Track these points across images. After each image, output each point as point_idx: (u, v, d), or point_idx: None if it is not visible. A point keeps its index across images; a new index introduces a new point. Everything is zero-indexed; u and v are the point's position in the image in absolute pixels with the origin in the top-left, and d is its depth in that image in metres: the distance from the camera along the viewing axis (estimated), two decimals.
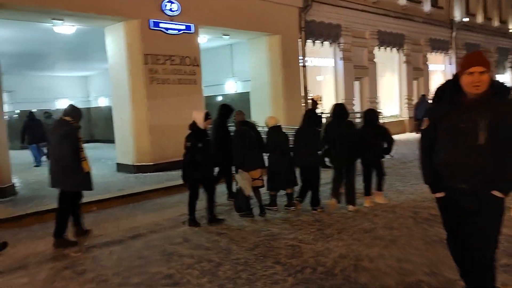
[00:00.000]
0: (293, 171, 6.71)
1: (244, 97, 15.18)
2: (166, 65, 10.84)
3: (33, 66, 17.99)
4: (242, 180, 6.30)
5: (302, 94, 14.45)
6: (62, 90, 22.25)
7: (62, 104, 22.20)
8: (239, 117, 6.88)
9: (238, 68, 15.31)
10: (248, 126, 6.60)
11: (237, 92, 15.42)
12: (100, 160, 13.85)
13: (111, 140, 22.16)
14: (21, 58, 15.62)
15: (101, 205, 7.59)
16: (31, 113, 13.84)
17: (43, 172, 11.32)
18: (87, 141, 22.93)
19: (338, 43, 16.05)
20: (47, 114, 14.86)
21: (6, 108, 22.20)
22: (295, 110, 14.07)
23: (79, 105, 23.19)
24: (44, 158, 12.65)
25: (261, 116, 14.23)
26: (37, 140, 12.83)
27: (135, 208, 7.52)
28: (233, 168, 6.63)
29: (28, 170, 12.25)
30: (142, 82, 10.45)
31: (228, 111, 7.37)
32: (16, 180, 10.24)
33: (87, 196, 7.83)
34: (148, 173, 10.32)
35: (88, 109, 23.29)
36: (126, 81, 10.50)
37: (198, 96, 11.63)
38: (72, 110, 5.79)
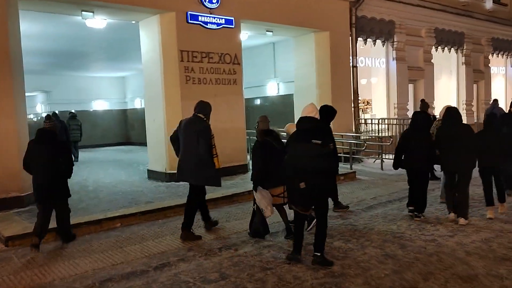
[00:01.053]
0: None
1: (286, 100, 13.97)
2: (203, 63, 9.79)
3: (70, 66, 17.54)
4: (262, 200, 5.34)
5: (351, 97, 13.06)
6: (99, 91, 21.86)
7: (98, 105, 21.89)
8: (262, 125, 5.62)
9: (281, 69, 14.12)
10: (272, 137, 5.54)
11: (279, 94, 14.23)
12: (132, 165, 13.03)
13: (146, 143, 21.68)
14: (57, 57, 15.12)
15: (126, 220, 6.57)
16: (54, 113, 13.79)
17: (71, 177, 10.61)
18: (122, 143, 22.50)
19: (391, 42, 14.53)
20: (72, 114, 14.96)
21: (42, 108, 22.15)
22: (344, 115, 12.70)
23: (116, 106, 23.08)
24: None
25: None
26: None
27: (164, 226, 6.45)
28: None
29: None
30: (177, 81, 9.45)
31: (332, 113, 6.57)
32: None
33: (111, 211, 6.87)
34: (180, 182, 9.26)
35: (124, 110, 22.81)
36: (159, 79, 9.53)
37: (238, 97, 10.52)
38: (204, 107, 6.08)
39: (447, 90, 17.76)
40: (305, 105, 4.98)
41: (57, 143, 5.74)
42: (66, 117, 15.86)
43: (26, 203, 7.55)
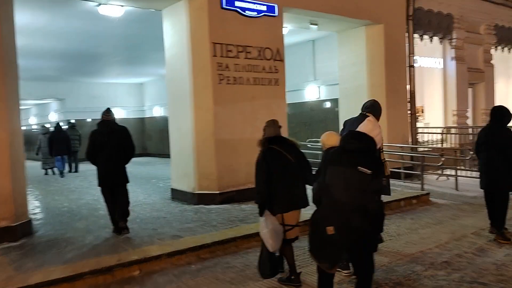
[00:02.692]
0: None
1: (328, 106, 12.08)
2: (239, 58, 8.02)
3: (84, 71, 16.05)
4: (265, 229, 3.99)
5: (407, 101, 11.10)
6: (115, 99, 20.32)
7: (115, 113, 20.29)
8: (269, 131, 4.28)
9: (322, 70, 12.27)
10: (281, 145, 4.16)
11: (320, 99, 12.35)
12: (150, 181, 11.28)
13: (165, 154, 20.07)
14: (70, 60, 13.60)
15: (147, 266, 4.74)
16: (57, 124, 13.51)
17: (80, 197, 8.97)
18: (139, 155, 20.83)
19: (450, 39, 12.56)
20: (71, 124, 14.54)
21: (56, 116, 20.72)
22: (400, 123, 10.78)
23: (133, 115, 21.50)
24: (66, 169, 13.37)
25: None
26: (61, 152, 12.78)
27: (200, 275, 4.59)
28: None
29: (64, 193, 9.84)
30: (208, 81, 7.68)
31: (507, 114, 5.44)
32: (40, 209, 7.78)
33: (126, 250, 5.06)
34: (212, 205, 7.45)
35: (142, 119, 21.24)
36: (187, 79, 7.77)
37: (280, 101, 8.68)
38: (378, 109, 5.01)
39: (504, 96, 15.61)
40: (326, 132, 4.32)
41: (123, 130, 6.23)
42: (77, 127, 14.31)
43: (19, 235, 5.81)
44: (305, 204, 4.16)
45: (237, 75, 7.98)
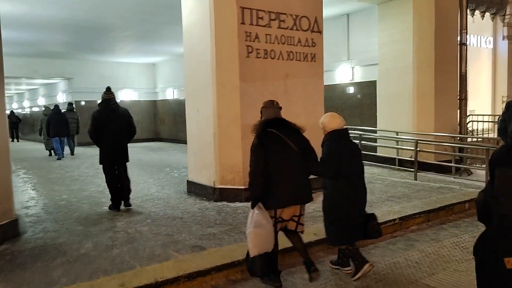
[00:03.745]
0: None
1: (364, 89, 10.70)
2: (271, 28, 6.70)
3: (92, 47, 14.82)
4: (250, 227, 3.36)
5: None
6: (126, 79, 19.15)
7: (125, 95, 19.19)
8: (267, 113, 3.67)
9: (357, 48, 10.86)
10: (281, 130, 3.54)
11: (354, 81, 10.96)
12: (163, 170, 10.10)
13: (179, 140, 19.03)
14: (76, 33, 12.35)
15: None
16: (56, 106, 13.07)
17: (82, 187, 7.83)
18: (151, 140, 19.76)
19: (502, 15, 11.03)
20: (69, 107, 14.07)
21: (64, 97, 19.62)
22: (449, 110, 9.39)
23: (145, 97, 20.28)
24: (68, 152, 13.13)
25: (394, 119, 9.59)
26: (59, 133, 12.52)
27: None
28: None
29: (66, 182, 8.70)
30: (234, 54, 6.38)
31: None
32: (35, 202, 6.63)
33: (133, 268, 3.85)
34: (237, 203, 6.22)
35: (154, 102, 20.05)
36: (208, 51, 6.48)
37: (318, 81, 7.35)
38: None
39: None
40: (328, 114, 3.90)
41: (125, 110, 6.28)
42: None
43: (0, 239, 4.66)
44: (309, 199, 3.61)
45: (268, 47, 6.67)
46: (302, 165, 3.55)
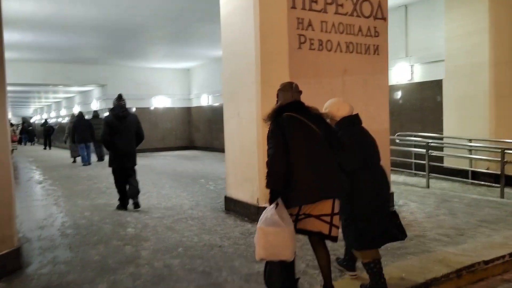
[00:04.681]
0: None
1: (426, 91, 9.33)
2: (328, 13, 5.55)
3: (125, 51, 14.20)
4: (262, 223, 2.77)
5: None
6: (159, 86, 18.49)
7: (159, 101, 18.52)
8: (284, 96, 3.11)
9: (416, 45, 9.50)
10: (302, 114, 2.96)
11: (413, 81, 9.61)
12: (197, 181, 9.11)
13: (214, 148, 18.11)
14: (107, 36, 11.70)
15: None
16: (80, 113, 13.57)
17: (108, 202, 6.90)
18: (185, 148, 18.96)
19: None
20: (95, 113, 14.47)
21: (98, 104, 19.20)
22: None
23: (179, 103, 19.52)
24: (94, 159, 13.29)
25: (465, 124, 8.06)
26: (85, 139, 12.67)
27: None
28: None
29: (91, 195, 7.84)
30: (283, 45, 5.28)
31: None
32: (52, 221, 5.72)
33: None
34: None
35: (188, 108, 19.28)
36: (251, 43, 5.40)
37: (382, 78, 6.12)
38: None
39: None
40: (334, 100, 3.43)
41: (135, 116, 6.61)
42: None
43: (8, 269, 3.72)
44: (343, 189, 2.99)
45: (323, 37, 5.52)
46: (330, 152, 2.99)
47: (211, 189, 8.08)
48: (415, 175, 8.93)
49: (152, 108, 18.51)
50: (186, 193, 7.70)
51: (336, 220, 2.93)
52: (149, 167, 12.17)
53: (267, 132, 2.97)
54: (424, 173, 7.99)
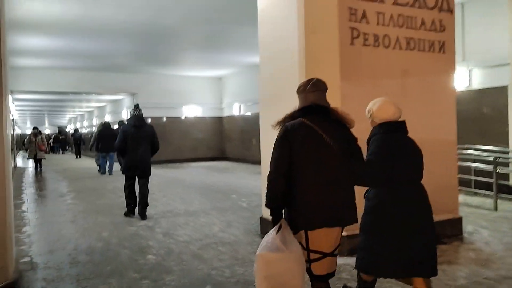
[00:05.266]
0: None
1: (487, 98, 8.22)
2: (384, 4, 4.68)
3: (156, 58, 13.74)
4: (264, 250, 2.40)
5: None
6: (191, 94, 17.98)
7: (190, 111, 17.99)
8: (305, 98, 2.66)
9: (475, 46, 8.42)
10: (316, 120, 2.54)
11: (471, 88, 8.51)
12: (229, 197, 8.34)
13: (245, 160, 17.33)
14: (137, 41, 11.23)
15: None
16: (106, 122, 13.83)
17: (131, 220, 5.99)
18: (216, 159, 18.29)
19: None
20: (121, 122, 13.68)
21: (128, 114, 18.88)
22: None
23: (210, 113, 18.92)
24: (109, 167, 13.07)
25: None
26: (108, 149, 12.44)
27: None
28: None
29: (113, 211, 7.18)
30: (333, 40, 4.45)
31: None
32: (65, 242, 5.02)
33: None
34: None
35: (220, 118, 18.65)
36: (294, 39, 4.59)
37: (447, 80, 5.16)
38: None
39: None
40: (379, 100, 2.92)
41: (151, 127, 6.69)
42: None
43: None
44: (351, 219, 2.52)
45: (380, 31, 4.65)
46: (343, 171, 2.53)
47: (244, 207, 7.27)
48: (475, 194, 7.79)
49: (183, 117, 18.00)
50: (216, 211, 6.92)
51: (338, 249, 2.60)
52: (178, 179, 11.52)
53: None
54: (487, 192, 6.90)
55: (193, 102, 18.09)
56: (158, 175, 12.48)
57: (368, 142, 2.82)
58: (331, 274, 2.57)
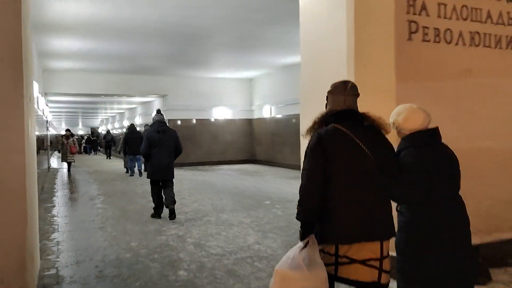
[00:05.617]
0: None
1: None
2: None
3: (187, 60, 13.50)
4: (285, 265, 2.26)
5: None
6: (221, 96, 17.71)
7: (220, 113, 17.72)
8: (335, 101, 2.49)
9: None
10: (351, 127, 2.38)
11: None
12: (263, 204, 7.91)
13: (276, 163, 16.79)
14: (170, 44, 11.01)
15: None
16: (132, 125, 13.76)
17: (160, 227, 5.40)
18: (246, 161, 17.93)
19: None
20: (147, 126, 13.21)
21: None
22: None
23: (240, 115, 18.57)
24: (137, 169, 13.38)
25: None
26: (135, 151, 12.40)
27: None
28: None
29: (145, 216, 6.89)
30: (388, 35, 3.95)
31: None
32: (92, 252, 4.71)
33: None
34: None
35: (250, 120, 18.28)
36: (343, 36, 4.12)
37: None
38: None
39: None
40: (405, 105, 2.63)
41: (174, 131, 6.87)
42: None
43: None
44: (389, 233, 2.37)
45: (441, 25, 4.11)
46: (380, 183, 2.32)
47: (279, 215, 6.84)
48: None
49: (212, 119, 17.75)
50: (249, 220, 6.51)
51: (387, 264, 2.35)
52: (208, 183, 11.20)
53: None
54: None
55: (223, 104, 17.80)
56: (188, 178, 12.25)
57: (398, 154, 2.51)
58: (366, 284, 2.30)
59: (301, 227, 2.33)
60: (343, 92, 2.44)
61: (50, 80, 15.11)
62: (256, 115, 17.97)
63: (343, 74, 4.10)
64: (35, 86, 7.21)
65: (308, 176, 2.32)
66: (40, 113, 11.10)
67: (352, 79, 4.02)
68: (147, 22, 8.93)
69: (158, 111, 7.04)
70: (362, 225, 2.28)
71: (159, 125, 6.66)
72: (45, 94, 15.55)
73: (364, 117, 2.43)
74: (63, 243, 5.34)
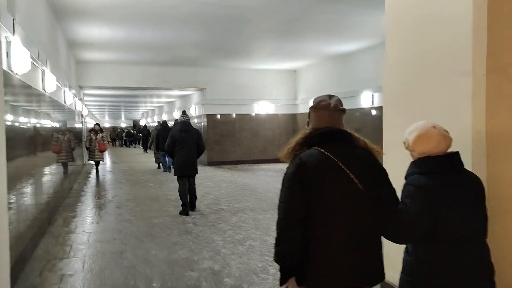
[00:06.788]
0: None
1: None
2: None
3: (226, 50, 12.29)
4: None
5: None
6: (262, 90, 16.42)
7: (261, 107, 16.42)
8: (318, 118, 2.16)
9: None
10: (336, 150, 2.03)
11: None
12: None
13: None
14: (208, 31, 9.78)
15: None
16: (164, 121, 14.11)
17: (194, 248, 4.40)
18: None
19: None
20: (176, 121, 13.83)
21: (196, 111, 17.78)
22: None
23: (283, 110, 17.11)
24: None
25: None
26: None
27: None
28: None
29: (166, 239, 5.70)
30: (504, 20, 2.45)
31: None
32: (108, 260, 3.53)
33: None
34: None
35: (294, 115, 16.87)
36: (466, 9, 2.66)
37: None
38: None
39: None
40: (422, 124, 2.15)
41: (197, 130, 7.41)
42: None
43: None
44: (378, 278, 2.06)
45: None
46: (371, 218, 2.00)
47: None
48: None
49: (253, 114, 16.47)
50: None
51: None
52: (249, 187, 9.93)
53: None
54: None
55: (264, 98, 16.48)
56: (227, 180, 11.06)
57: (405, 179, 2.12)
58: None
59: (280, 270, 2.01)
60: (328, 107, 2.11)
61: (84, 73, 14.37)
62: (300, 110, 16.52)
63: (465, 54, 2.65)
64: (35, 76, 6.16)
65: (285, 211, 1.97)
66: (70, 107, 10.26)
67: (483, 62, 2.60)
68: (182, 3, 7.71)
69: (184, 113, 7.46)
70: (347, 269, 1.96)
71: (183, 125, 7.11)
72: (80, 87, 14.86)
73: (353, 138, 2.10)
74: (68, 278, 4.21)
